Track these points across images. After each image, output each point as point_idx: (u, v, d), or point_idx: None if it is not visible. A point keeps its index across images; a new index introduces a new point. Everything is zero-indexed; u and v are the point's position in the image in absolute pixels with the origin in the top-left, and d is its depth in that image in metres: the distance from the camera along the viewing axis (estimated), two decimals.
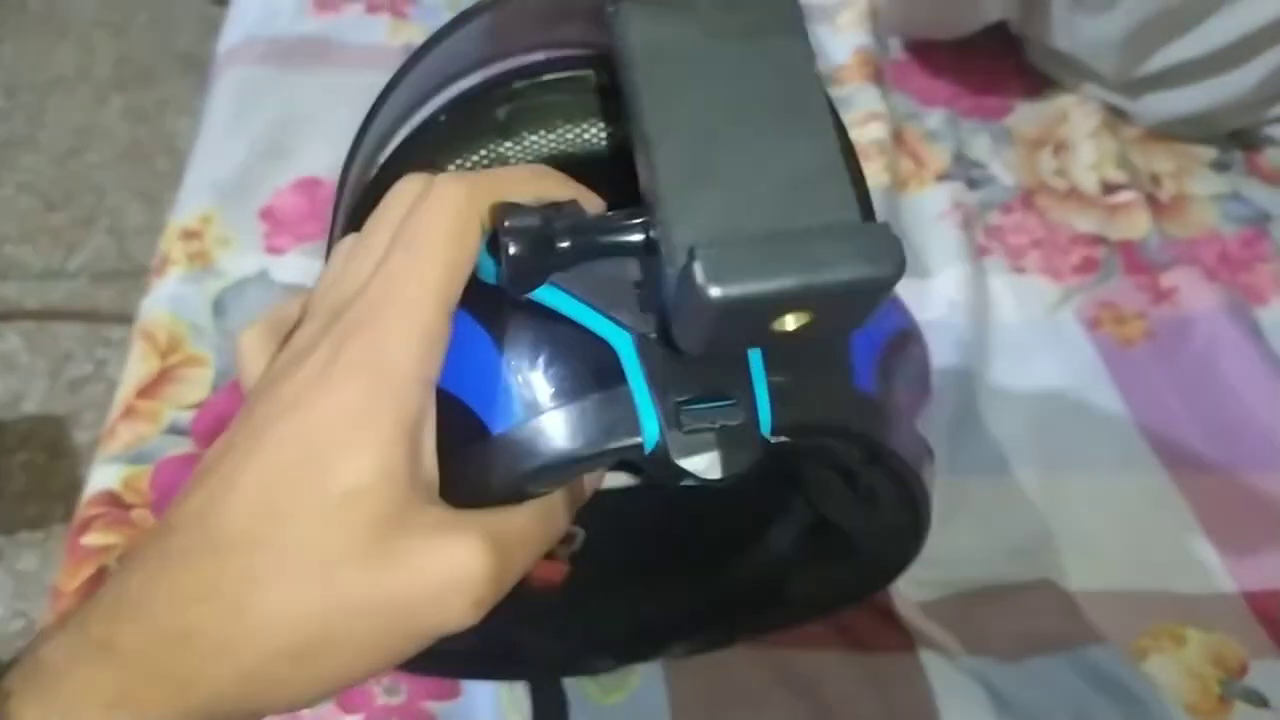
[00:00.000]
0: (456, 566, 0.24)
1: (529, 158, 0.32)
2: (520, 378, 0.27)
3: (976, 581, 0.50)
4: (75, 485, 1.15)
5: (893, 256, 0.22)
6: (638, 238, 0.26)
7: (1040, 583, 0.50)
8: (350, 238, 0.29)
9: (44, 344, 1.28)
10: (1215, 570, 0.52)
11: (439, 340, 0.25)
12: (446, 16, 0.78)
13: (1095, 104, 0.76)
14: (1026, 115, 0.77)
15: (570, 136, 0.32)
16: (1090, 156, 0.73)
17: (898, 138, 0.73)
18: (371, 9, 0.78)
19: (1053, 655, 0.47)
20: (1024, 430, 0.57)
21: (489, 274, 0.26)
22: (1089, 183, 0.71)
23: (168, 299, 0.57)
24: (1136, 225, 0.69)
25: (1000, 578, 0.50)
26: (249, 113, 0.69)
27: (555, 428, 0.26)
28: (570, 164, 0.31)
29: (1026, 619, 0.49)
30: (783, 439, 0.27)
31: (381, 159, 0.35)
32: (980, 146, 0.74)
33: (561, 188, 0.28)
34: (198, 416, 0.53)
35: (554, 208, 0.27)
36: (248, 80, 0.72)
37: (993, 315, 0.63)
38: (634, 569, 0.43)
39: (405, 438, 0.24)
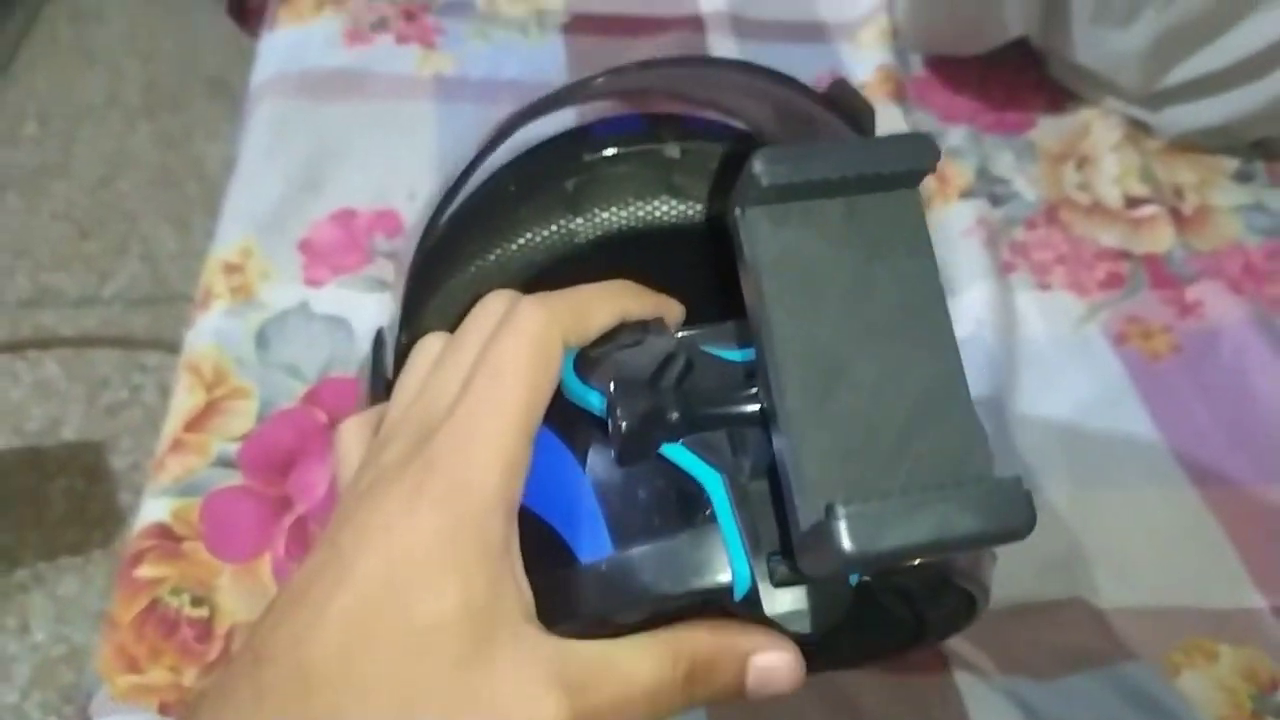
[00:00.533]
0: (532, 713, 0.24)
1: (599, 234, 0.33)
2: (608, 507, 0.27)
3: (1009, 599, 0.51)
4: (114, 510, 1.17)
5: (1023, 512, 0.23)
6: (750, 409, 0.26)
7: (1072, 600, 0.51)
8: (434, 339, 0.30)
9: (81, 370, 1.30)
10: (1245, 585, 0.52)
11: (521, 467, 0.26)
12: (474, 45, 0.80)
13: (1117, 117, 0.77)
14: (1049, 130, 0.77)
15: (642, 214, 0.33)
16: (1113, 170, 0.73)
17: None
18: (401, 39, 0.80)
19: (1087, 673, 0.48)
20: (1054, 447, 0.58)
21: (576, 394, 0.27)
22: (1112, 196, 0.72)
23: (212, 332, 0.59)
24: (1160, 239, 0.69)
25: (1032, 595, 0.51)
26: (284, 146, 0.70)
27: (645, 565, 0.26)
28: (642, 240, 0.32)
29: (1059, 637, 0.49)
30: (865, 579, 0.27)
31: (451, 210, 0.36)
32: (1003, 162, 0.75)
33: (643, 303, 0.29)
34: (244, 448, 0.54)
35: (640, 329, 0.27)
36: (282, 113, 0.73)
37: (1020, 332, 0.63)
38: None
39: (489, 567, 0.25)
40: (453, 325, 0.29)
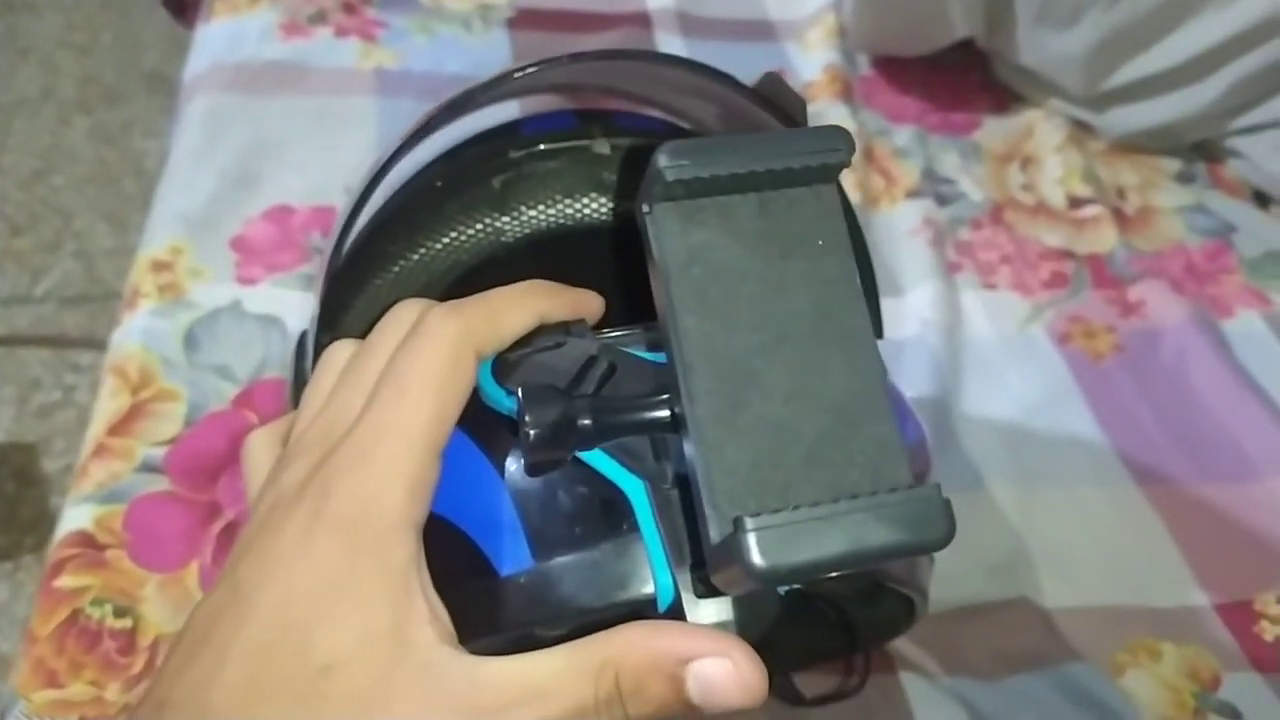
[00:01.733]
0: None
1: (526, 232, 0.32)
2: (527, 517, 0.26)
3: (954, 601, 0.50)
4: (45, 514, 1.14)
5: (941, 523, 0.22)
6: (662, 414, 0.25)
7: (1017, 600, 0.51)
8: (342, 347, 0.28)
9: (11, 370, 1.26)
10: (1187, 583, 0.53)
11: (426, 486, 0.24)
12: (415, 39, 0.78)
13: (1061, 118, 0.77)
14: (994, 131, 0.77)
15: (570, 211, 0.32)
16: (1057, 171, 0.74)
17: (868, 154, 0.73)
18: (340, 33, 0.78)
19: (1031, 673, 0.48)
20: (998, 446, 0.57)
21: (493, 400, 0.26)
22: (1056, 197, 0.72)
23: (139, 332, 0.57)
24: (1103, 239, 0.69)
25: (978, 596, 0.51)
26: (218, 140, 0.68)
27: (566, 577, 0.25)
28: (570, 238, 0.31)
29: (1004, 638, 0.49)
30: (795, 587, 0.26)
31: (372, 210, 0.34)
32: (949, 162, 0.75)
33: (560, 301, 0.28)
34: (171, 452, 0.52)
35: (561, 331, 0.26)
36: (216, 107, 0.71)
37: (965, 332, 0.63)
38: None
39: (390, 594, 0.23)
40: (374, 327, 0.28)
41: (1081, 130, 0.77)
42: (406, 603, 0.23)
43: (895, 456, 0.23)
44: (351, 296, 0.34)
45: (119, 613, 0.47)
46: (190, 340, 0.57)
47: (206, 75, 0.74)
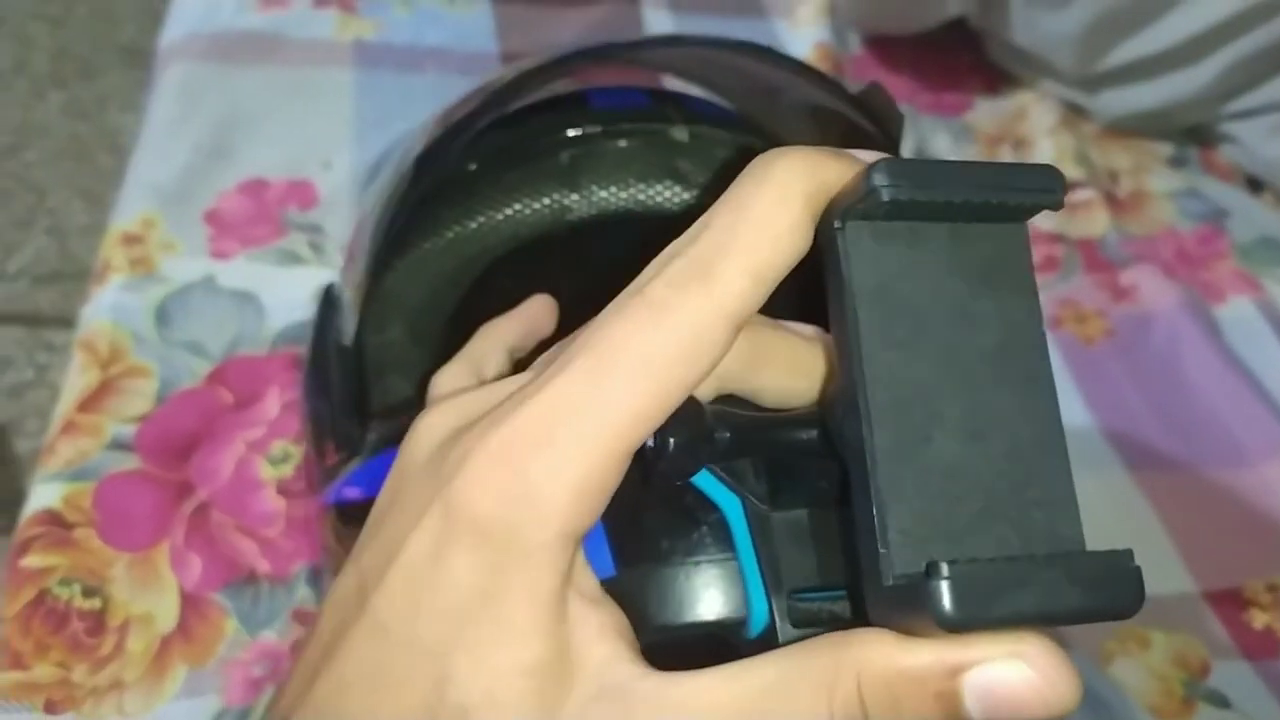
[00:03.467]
0: None
1: (594, 212, 0.31)
2: (612, 523, 0.24)
3: None
4: (17, 495, 1.11)
5: (1133, 591, 0.21)
6: (809, 435, 0.23)
7: None
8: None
9: None
10: (1177, 570, 0.52)
11: (602, 490, 0.20)
12: (396, 11, 0.76)
13: (1054, 100, 0.76)
14: (986, 112, 0.76)
15: (643, 197, 0.31)
16: (1049, 153, 0.73)
17: None
18: (319, 3, 0.76)
19: None
20: None
21: None
22: None
23: (109, 307, 0.55)
24: (1095, 223, 0.69)
25: None
26: (192, 111, 0.67)
27: (651, 590, 0.24)
28: (640, 226, 0.30)
29: None
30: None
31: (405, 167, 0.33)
32: (940, 143, 0.74)
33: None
34: (141, 430, 0.51)
35: None
36: (190, 77, 0.69)
37: None
38: None
39: (543, 619, 0.20)
40: (421, 290, 0.26)
41: (1074, 113, 0.76)
42: (565, 627, 0.20)
43: (1071, 512, 0.22)
44: (393, 255, 0.32)
45: (87, 593, 0.45)
46: (162, 315, 0.55)
47: (181, 44, 0.72)
